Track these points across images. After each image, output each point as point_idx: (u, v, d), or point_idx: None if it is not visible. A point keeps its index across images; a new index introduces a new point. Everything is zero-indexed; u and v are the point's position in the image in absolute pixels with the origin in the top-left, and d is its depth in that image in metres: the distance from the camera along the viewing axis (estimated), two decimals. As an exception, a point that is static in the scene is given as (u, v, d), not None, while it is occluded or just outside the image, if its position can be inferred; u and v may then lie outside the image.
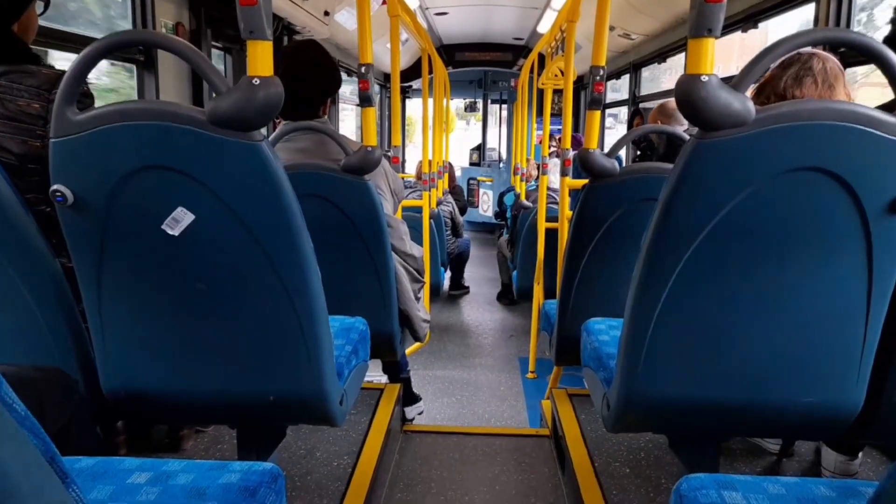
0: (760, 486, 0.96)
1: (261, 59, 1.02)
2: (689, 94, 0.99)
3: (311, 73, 1.95)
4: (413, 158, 8.95)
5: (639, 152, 3.90)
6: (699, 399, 1.24)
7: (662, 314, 1.16)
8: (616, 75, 6.14)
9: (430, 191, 4.00)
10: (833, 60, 1.46)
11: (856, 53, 1.44)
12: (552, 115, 4.34)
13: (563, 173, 2.79)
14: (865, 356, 1.16)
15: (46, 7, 1.48)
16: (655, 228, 1.11)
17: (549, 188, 3.95)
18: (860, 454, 1.72)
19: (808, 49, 1.46)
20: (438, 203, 4.91)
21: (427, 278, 2.96)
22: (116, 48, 1.09)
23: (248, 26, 1.00)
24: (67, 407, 1.16)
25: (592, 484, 1.78)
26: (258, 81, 1.01)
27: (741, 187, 1.04)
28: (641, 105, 5.22)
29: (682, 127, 2.70)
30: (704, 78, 0.98)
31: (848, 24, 2.52)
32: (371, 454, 1.90)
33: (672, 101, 3.45)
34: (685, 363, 1.21)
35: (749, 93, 1.03)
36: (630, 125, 4.36)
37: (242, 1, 0.98)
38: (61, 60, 2.34)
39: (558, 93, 5.39)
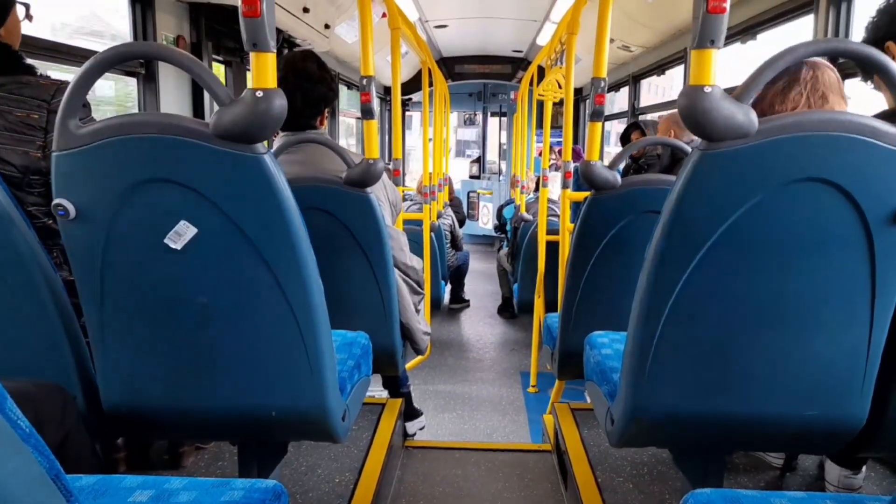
0: (768, 502, 0.95)
1: (264, 71, 1.02)
2: (692, 104, 0.99)
3: (306, 83, 1.93)
4: (411, 171, 8.96)
5: (633, 165, 3.91)
6: (705, 412, 1.23)
7: (666, 327, 1.15)
8: (615, 87, 6.17)
9: (430, 204, 4.00)
10: (829, 71, 1.39)
11: (856, 64, 1.44)
12: (552, 127, 4.34)
13: (564, 186, 2.79)
14: (869, 368, 1.15)
15: (29, 15, 1.45)
16: (659, 240, 1.11)
17: (548, 200, 3.95)
18: (864, 468, 1.71)
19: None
20: (439, 216, 4.91)
21: (427, 291, 2.95)
22: (120, 60, 1.08)
23: (252, 38, 0.99)
24: (65, 423, 1.15)
25: (596, 499, 1.76)
26: (261, 94, 1.01)
27: (745, 198, 1.04)
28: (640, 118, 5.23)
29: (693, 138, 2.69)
30: (707, 89, 0.98)
31: (847, 36, 2.52)
32: (373, 470, 1.88)
33: None
34: (690, 376, 1.20)
35: None
36: (626, 139, 4.35)
37: (246, 13, 0.97)
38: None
39: (558, 105, 5.40)
